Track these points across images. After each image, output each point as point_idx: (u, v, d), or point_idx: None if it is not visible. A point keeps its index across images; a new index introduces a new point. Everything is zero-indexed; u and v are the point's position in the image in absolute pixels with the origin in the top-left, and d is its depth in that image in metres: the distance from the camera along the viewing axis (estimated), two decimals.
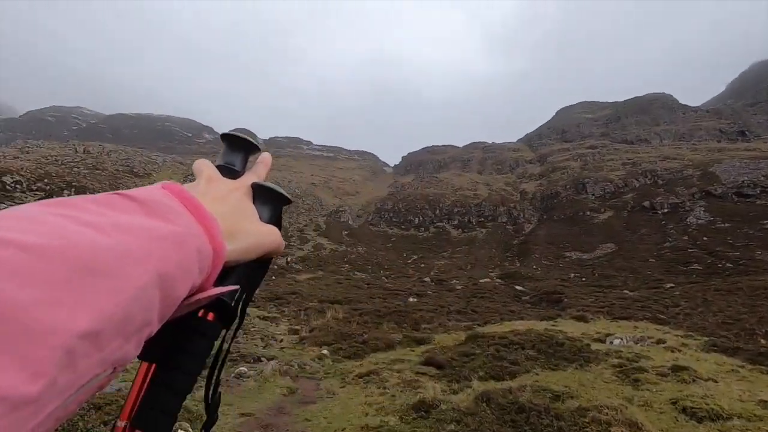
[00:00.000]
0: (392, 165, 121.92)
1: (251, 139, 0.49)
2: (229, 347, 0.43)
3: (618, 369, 7.85)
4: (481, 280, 31.07)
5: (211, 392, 0.42)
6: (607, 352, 9.13)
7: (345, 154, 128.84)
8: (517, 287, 28.25)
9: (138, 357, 0.29)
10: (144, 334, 0.28)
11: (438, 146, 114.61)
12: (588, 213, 56.32)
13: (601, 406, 5.52)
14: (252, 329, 12.50)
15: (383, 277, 34.16)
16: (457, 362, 8.58)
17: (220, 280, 0.36)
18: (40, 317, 0.21)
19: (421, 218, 63.58)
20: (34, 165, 45.58)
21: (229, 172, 0.47)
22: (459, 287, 28.05)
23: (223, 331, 0.41)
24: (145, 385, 0.36)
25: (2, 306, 0.21)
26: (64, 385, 0.22)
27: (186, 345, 0.37)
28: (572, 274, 37.09)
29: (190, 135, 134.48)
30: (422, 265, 44.87)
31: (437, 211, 64.48)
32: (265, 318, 14.82)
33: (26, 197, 34.33)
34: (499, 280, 32.16)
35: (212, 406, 0.42)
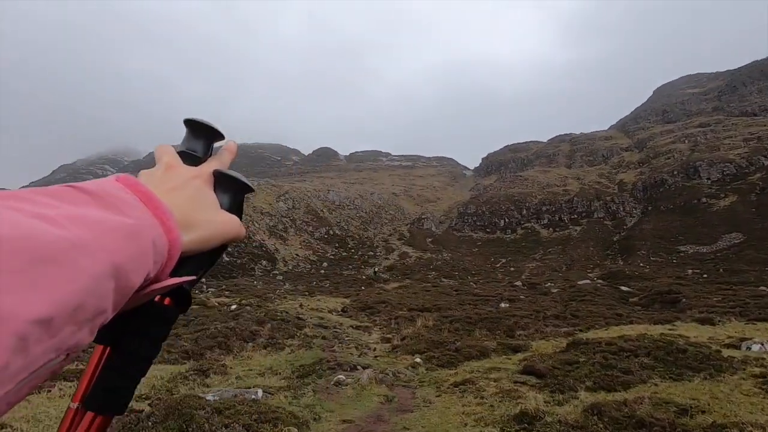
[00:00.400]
0: (472, 168, 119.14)
1: (214, 125, 0.48)
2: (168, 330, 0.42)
3: (761, 379, 6.68)
4: (579, 282, 28.78)
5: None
6: (744, 360, 7.84)
7: (423, 162, 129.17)
8: (623, 288, 25.71)
9: (93, 340, 0.29)
10: (97, 322, 0.28)
11: (520, 143, 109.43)
12: (704, 200, 49.61)
13: (743, 423, 4.74)
14: (346, 338, 12.97)
15: (471, 283, 33.31)
16: (560, 371, 7.98)
17: (178, 268, 0.36)
18: None
19: (506, 220, 61.08)
20: None
21: (191, 158, 0.46)
22: (555, 290, 26.26)
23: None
24: (99, 368, 0.37)
25: None
26: (17, 369, 0.23)
27: (141, 329, 0.36)
28: (690, 271, 32.86)
29: (279, 159, 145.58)
30: (512, 269, 42.97)
31: (524, 212, 61.44)
32: (357, 327, 15.30)
33: None
34: (600, 281, 29.55)
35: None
